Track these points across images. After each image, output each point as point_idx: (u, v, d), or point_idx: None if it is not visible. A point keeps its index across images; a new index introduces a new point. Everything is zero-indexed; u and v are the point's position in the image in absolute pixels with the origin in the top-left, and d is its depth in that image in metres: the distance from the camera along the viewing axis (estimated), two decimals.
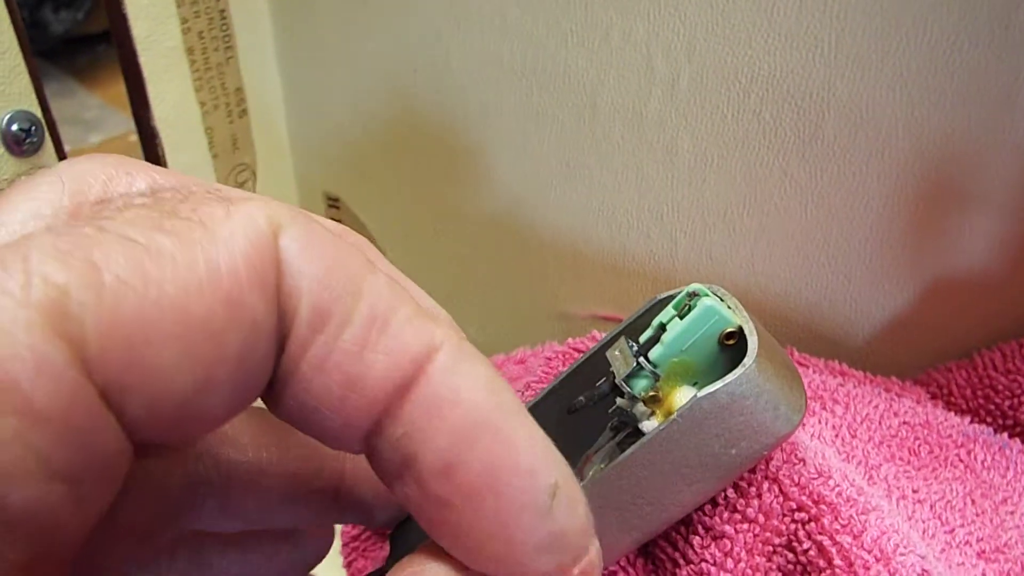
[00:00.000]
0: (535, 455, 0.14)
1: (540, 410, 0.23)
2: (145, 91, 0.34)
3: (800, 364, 0.31)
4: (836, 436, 0.26)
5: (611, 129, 0.34)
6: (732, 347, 0.20)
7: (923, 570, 0.19)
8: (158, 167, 0.15)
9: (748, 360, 0.18)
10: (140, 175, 0.15)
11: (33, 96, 0.29)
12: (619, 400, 0.21)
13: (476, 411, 0.13)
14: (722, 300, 0.20)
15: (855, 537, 0.20)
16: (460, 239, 0.40)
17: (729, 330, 0.19)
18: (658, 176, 0.34)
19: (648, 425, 0.20)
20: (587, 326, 0.39)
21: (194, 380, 0.12)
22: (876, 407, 0.27)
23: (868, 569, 0.19)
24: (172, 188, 0.14)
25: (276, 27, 0.39)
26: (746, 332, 0.19)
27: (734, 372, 0.18)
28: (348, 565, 0.33)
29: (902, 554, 0.20)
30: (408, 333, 0.13)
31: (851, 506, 0.21)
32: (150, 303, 0.11)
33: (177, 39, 0.34)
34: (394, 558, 0.24)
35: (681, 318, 0.20)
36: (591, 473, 0.22)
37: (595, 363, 0.23)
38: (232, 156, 0.39)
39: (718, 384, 0.18)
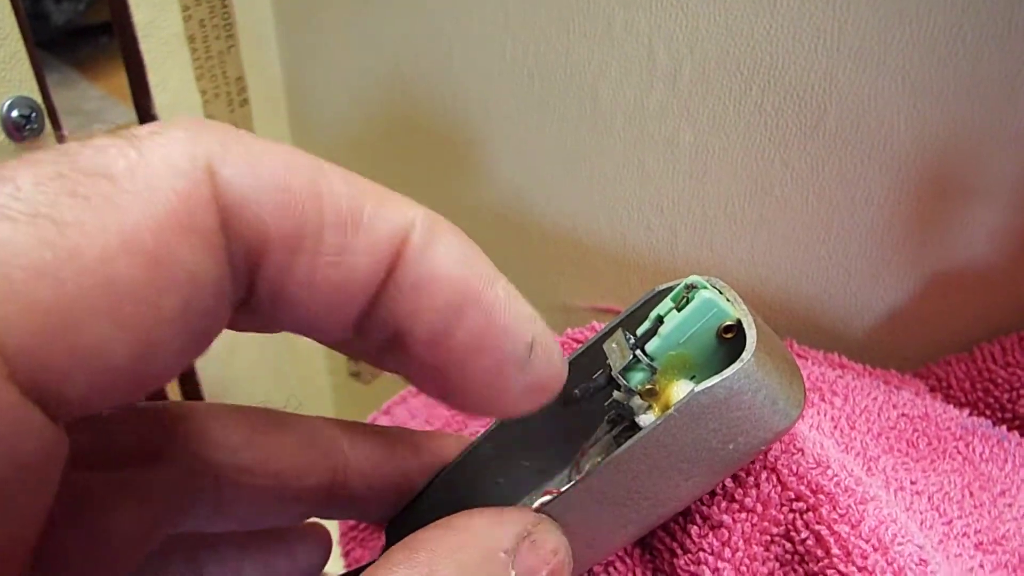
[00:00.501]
0: (512, 316, 0.15)
1: None
2: (146, 79, 0.34)
3: (799, 356, 0.31)
4: (835, 427, 0.26)
5: (612, 121, 0.34)
6: (730, 340, 0.20)
7: (920, 559, 0.20)
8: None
9: (746, 354, 0.18)
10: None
11: (34, 82, 0.29)
12: (615, 393, 0.21)
13: (456, 284, 0.14)
14: (721, 293, 0.20)
15: (853, 527, 0.20)
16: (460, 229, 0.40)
17: (727, 323, 0.19)
18: (659, 168, 0.34)
19: (645, 419, 0.20)
20: (588, 317, 0.39)
21: (133, 349, 0.12)
22: (875, 399, 0.27)
23: (866, 558, 0.19)
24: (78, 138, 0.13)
25: (277, 16, 0.39)
26: (744, 326, 0.19)
27: (732, 366, 0.18)
28: (346, 555, 0.33)
29: (900, 543, 0.20)
30: (380, 223, 0.14)
31: (849, 496, 0.21)
32: (67, 284, 0.11)
33: (178, 27, 0.34)
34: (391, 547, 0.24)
35: (679, 310, 0.20)
36: (587, 466, 0.22)
37: (593, 354, 0.23)
38: None
39: (716, 379, 0.18)
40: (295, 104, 0.41)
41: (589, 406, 0.23)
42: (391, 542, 0.24)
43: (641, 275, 0.37)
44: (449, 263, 0.14)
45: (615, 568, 0.22)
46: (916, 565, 0.19)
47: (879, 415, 0.27)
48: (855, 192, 0.31)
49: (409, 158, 0.39)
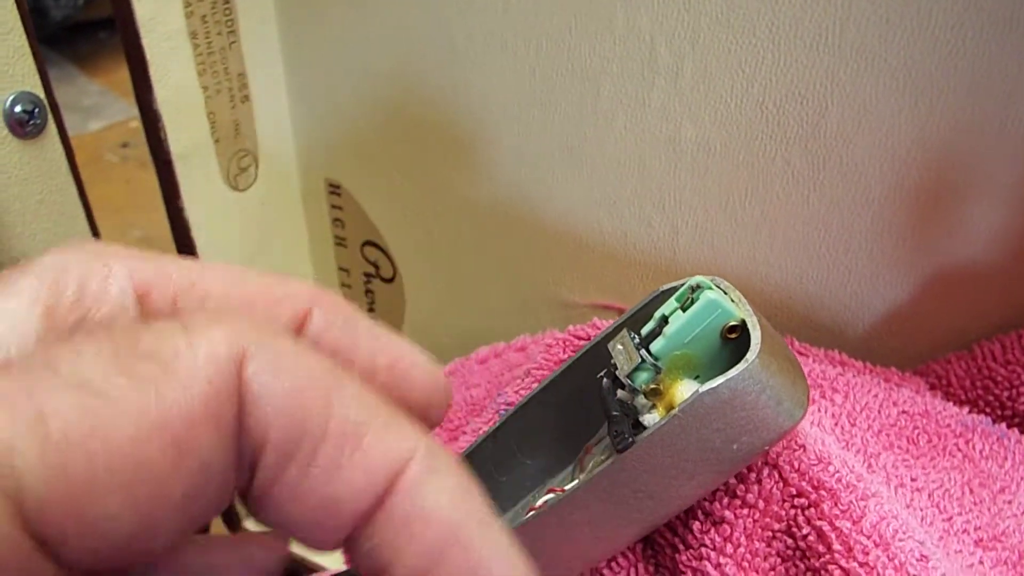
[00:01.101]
0: (501, 568, 0.14)
1: (541, 400, 0.23)
2: (148, 74, 0.34)
3: (800, 354, 0.31)
4: (836, 424, 0.26)
5: (614, 117, 0.34)
6: (735, 341, 0.20)
7: (921, 555, 0.20)
8: (137, 252, 0.15)
9: (751, 355, 0.18)
10: (118, 266, 0.15)
11: (37, 78, 0.29)
12: (619, 392, 0.21)
13: (445, 527, 0.14)
14: (725, 293, 0.20)
15: (854, 522, 0.20)
16: (461, 226, 0.40)
17: (732, 323, 0.19)
18: (660, 165, 0.34)
19: (649, 418, 0.20)
20: (588, 314, 0.39)
21: (135, 527, 0.12)
22: (875, 396, 0.28)
23: (867, 554, 0.19)
24: (131, 318, 0.14)
25: (279, 12, 0.39)
26: (749, 326, 0.19)
27: (737, 367, 0.18)
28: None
29: (901, 539, 0.20)
30: (380, 448, 0.14)
31: (850, 492, 0.21)
32: (96, 459, 0.11)
33: (180, 22, 0.34)
34: None
35: (684, 311, 0.20)
36: (591, 465, 0.22)
37: (596, 354, 0.23)
38: (234, 142, 0.39)
39: (720, 379, 0.18)
40: (297, 100, 0.41)
41: (592, 404, 0.23)
42: None
43: (642, 272, 0.37)
44: (441, 501, 0.14)
45: (617, 563, 0.22)
46: (917, 560, 0.19)
47: (880, 412, 0.27)
48: (856, 190, 0.31)
49: (410, 154, 0.39)
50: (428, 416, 0.16)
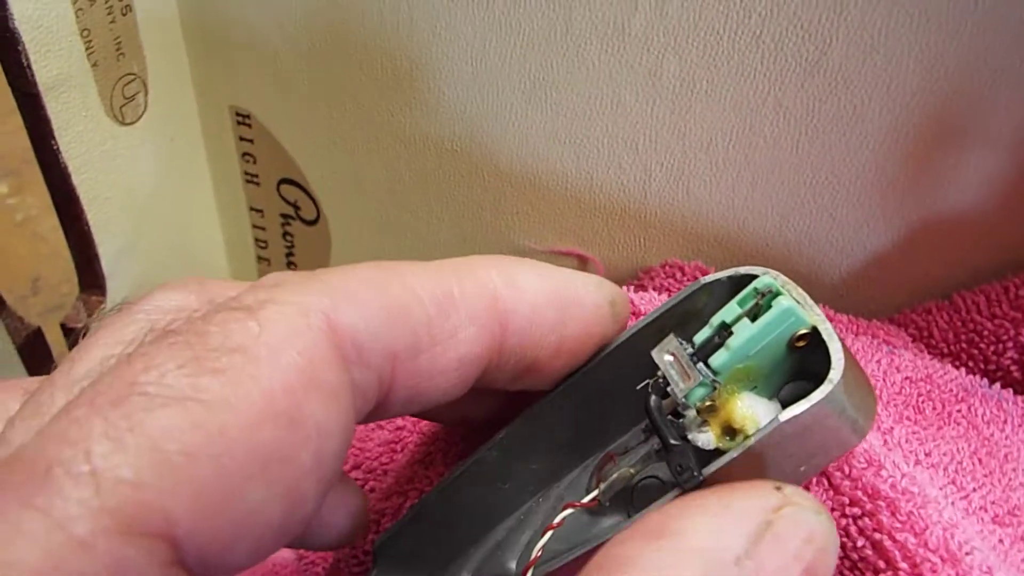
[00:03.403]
0: (596, 294, 0.18)
1: (555, 404, 0.20)
2: None
3: None
4: None
5: (587, 46, 0.30)
6: (802, 349, 0.17)
7: (987, 567, 0.19)
8: (230, 282, 0.15)
9: (835, 375, 0.16)
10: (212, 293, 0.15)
11: None
12: (653, 399, 0.18)
13: (553, 301, 0.17)
14: (787, 291, 0.17)
15: (917, 535, 0.19)
16: (398, 163, 0.36)
17: (802, 331, 0.17)
18: (636, 102, 0.30)
19: (703, 439, 0.17)
20: (545, 261, 0.36)
21: (284, 504, 0.13)
22: (879, 363, 0.26)
23: (936, 573, 0.18)
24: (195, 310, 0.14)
25: None
26: (824, 336, 0.17)
27: (820, 390, 0.16)
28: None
29: (968, 553, 0.19)
30: (471, 292, 0.16)
31: (908, 500, 0.19)
32: (222, 459, 0.11)
33: None
34: (381, 569, 0.21)
35: (751, 319, 0.17)
36: (615, 475, 0.20)
37: (625, 352, 0.20)
38: (116, 64, 0.32)
39: (802, 405, 0.16)
40: (191, 13, 0.33)
41: (611, 405, 0.20)
42: (383, 566, 0.21)
43: (607, 217, 0.34)
44: (538, 289, 0.17)
45: None
46: (984, 574, 0.18)
47: (885, 380, 0.26)
48: (851, 135, 0.29)
49: (340, 83, 0.34)
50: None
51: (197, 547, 0.11)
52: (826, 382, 0.16)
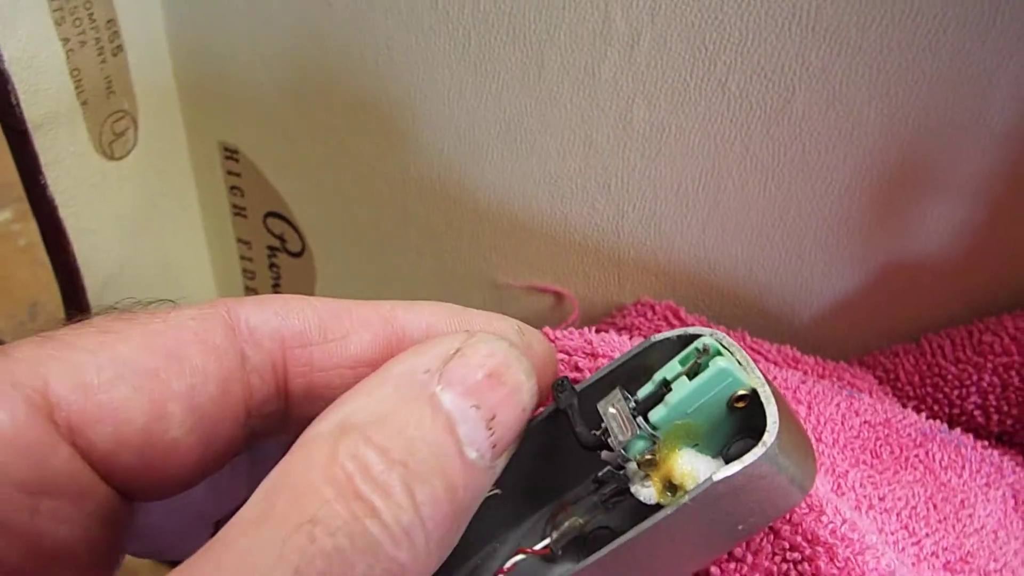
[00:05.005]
0: (498, 321, 0.20)
1: (517, 450, 0.21)
2: None
3: (754, 351, 0.30)
4: None
5: (559, 90, 0.31)
6: (741, 410, 0.18)
7: None
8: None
9: (769, 437, 0.16)
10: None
11: None
12: (605, 454, 0.18)
13: (448, 324, 0.19)
14: (730, 352, 0.18)
15: None
16: (380, 198, 0.36)
17: (741, 392, 0.17)
18: (608, 144, 0.31)
19: (644, 493, 0.18)
20: (521, 296, 0.36)
21: (147, 410, 0.16)
22: (838, 406, 0.27)
23: None
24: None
25: None
26: (762, 398, 0.17)
27: (754, 452, 0.16)
28: None
29: None
30: (366, 309, 0.18)
31: (847, 546, 0.19)
32: (103, 366, 0.16)
33: None
34: None
35: (689, 377, 0.17)
36: (566, 524, 0.20)
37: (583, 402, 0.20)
38: (106, 102, 0.33)
39: (736, 466, 0.16)
40: (181, 50, 0.35)
41: (568, 456, 0.21)
42: None
43: (582, 255, 0.34)
44: (435, 313, 0.19)
45: None
46: None
47: (843, 424, 0.26)
48: (816, 180, 0.29)
49: (322, 119, 0.35)
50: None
51: (67, 415, 0.15)
52: (759, 444, 0.16)
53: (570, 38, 0.29)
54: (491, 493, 0.17)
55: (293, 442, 0.16)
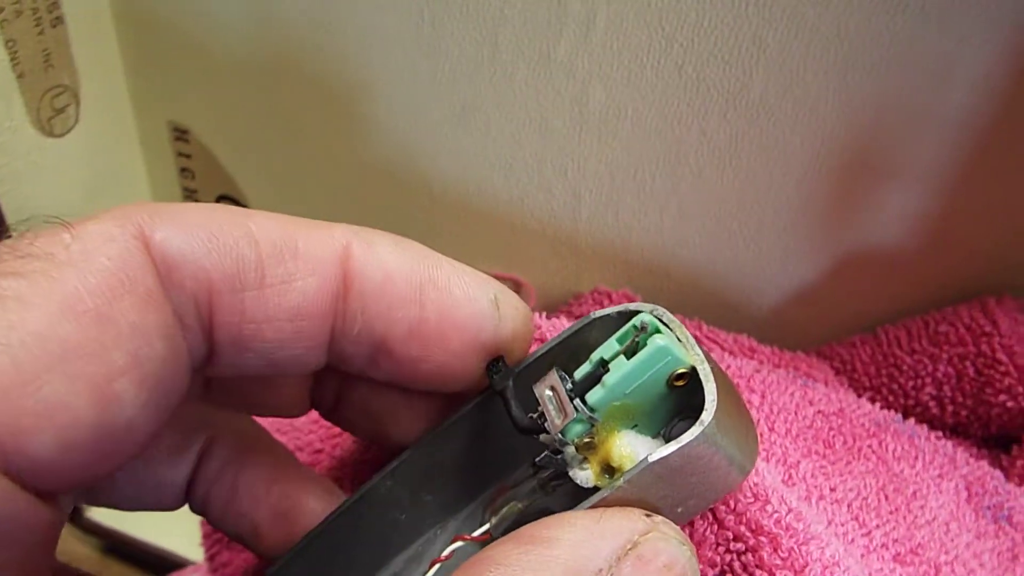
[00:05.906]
0: (469, 284, 0.16)
1: (447, 434, 0.20)
2: None
3: (711, 340, 0.30)
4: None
5: (514, 71, 0.30)
6: (681, 388, 0.17)
7: None
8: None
9: (706, 416, 0.16)
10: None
11: None
12: (543, 437, 0.18)
13: (409, 274, 0.16)
14: (669, 328, 0.17)
15: (796, 572, 0.18)
16: (334, 186, 0.35)
17: (680, 371, 0.17)
18: (564, 127, 0.30)
19: (581, 476, 0.17)
20: None
21: (93, 401, 0.13)
22: (792, 395, 0.26)
23: None
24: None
25: None
26: (701, 376, 0.16)
27: (691, 432, 0.15)
28: (211, 559, 0.29)
29: None
30: (316, 245, 0.15)
31: (791, 537, 0.19)
32: (14, 349, 0.12)
33: None
34: None
35: (627, 357, 0.17)
36: (504, 509, 0.20)
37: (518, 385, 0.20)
38: (44, 76, 0.32)
39: (672, 446, 0.15)
40: (127, 27, 0.33)
41: (507, 439, 0.20)
42: None
43: (538, 241, 0.34)
44: (396, 259, 0.16)
45: None
46: None
47: (796, 414, 0.26)
48: (774, 166, 0.29)
49: (274, 101, 0.34)
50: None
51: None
52: (697, 424, 0.16)
53: (524, 19, 0.28)
54: None
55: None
